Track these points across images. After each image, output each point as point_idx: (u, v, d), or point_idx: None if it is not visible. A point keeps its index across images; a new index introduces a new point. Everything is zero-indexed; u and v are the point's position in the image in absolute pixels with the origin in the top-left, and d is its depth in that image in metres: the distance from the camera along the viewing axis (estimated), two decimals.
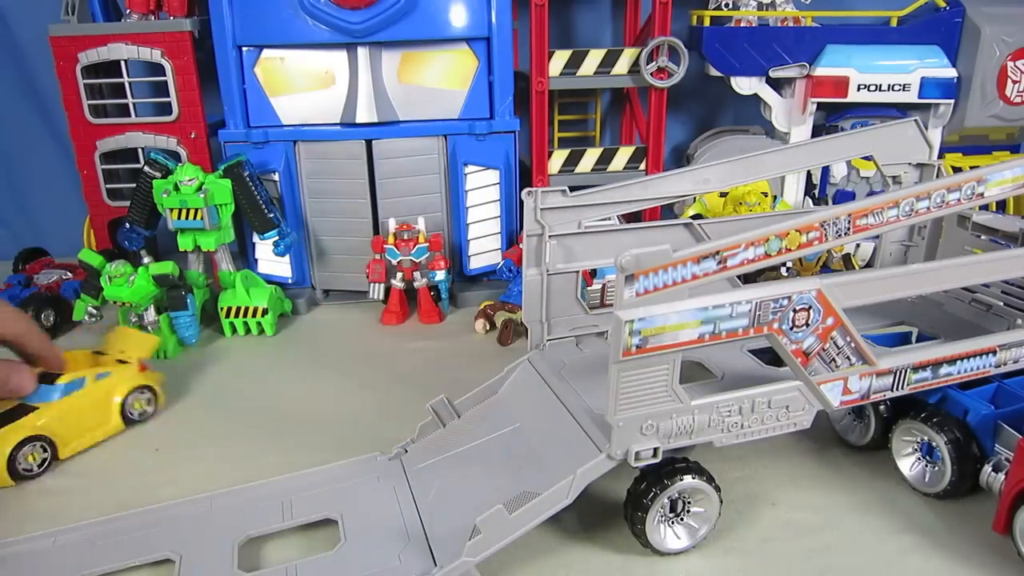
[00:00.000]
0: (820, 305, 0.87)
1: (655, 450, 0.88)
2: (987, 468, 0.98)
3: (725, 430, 0.92)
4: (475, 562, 0.86)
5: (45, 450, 1.17)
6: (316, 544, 0.99)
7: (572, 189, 1.14)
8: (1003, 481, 0.94)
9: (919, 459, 1.06)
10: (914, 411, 1.05)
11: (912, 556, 0.95)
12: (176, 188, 1.57)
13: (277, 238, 1.67)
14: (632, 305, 0.78)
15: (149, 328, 1.56)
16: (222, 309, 1.65)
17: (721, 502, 0.95)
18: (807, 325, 0.88)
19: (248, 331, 1.66)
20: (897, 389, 0.98)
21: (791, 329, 0.87)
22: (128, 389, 1.29)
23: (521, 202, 1.15)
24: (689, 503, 0.94)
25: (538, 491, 0.88)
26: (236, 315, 1.64)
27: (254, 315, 1.64)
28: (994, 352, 1.01)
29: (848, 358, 0.92)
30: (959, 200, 1.01)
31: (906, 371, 0.97)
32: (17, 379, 1.17)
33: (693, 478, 0.92)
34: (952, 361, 1.00)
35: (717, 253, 0.82)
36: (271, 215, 1.64)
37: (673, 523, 0.95)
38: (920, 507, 1.03)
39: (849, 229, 0.92)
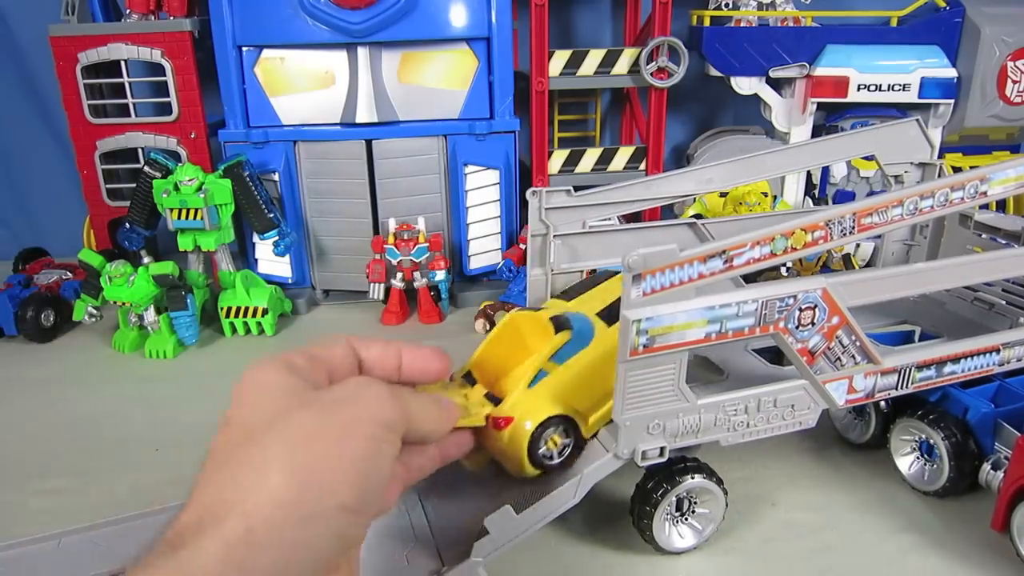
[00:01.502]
0: (826, 304, 0.88)
1: (661, 449, 0.88)
2: (986, 466, 0.99)
3: (731, 429, 0.92)
4: (483, 562, 0.85)
5: (567, 434, 0.90)
6: None
7: (576, 189, 1.14)
8: (1001, 479, 0.94)
9: (918, 458, 1.07)
10: (913, 409, 1.05)
11: (911, 555, 0.95)
12: (176, 188, 1.56)
13: (277, 238, 1.67)
14: (639, 304, 0.78)
15: (149, 328, 1.56)
16: (222, 309, 1.64)
17: (727, 505, 0.96)
18: (813, 324, 0.88)
19: (248, 331, 1.65)
20: (901, 388, 0.98)
21: (797, 328, 0.87)
22: None
23: (522, 202, 1.15)
24: (695, 503, 0.94)
25: (545, 490, 0.88)
26: (236, 315, 1.64)
27: (254, 315, 1.64)
28: (998, 351, 1.02)
29: (853, 357, 0.92)
30: (962, 199, 1.02)
31: (910, 370, 0.97)
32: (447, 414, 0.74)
33: (704, 478, 0.92)
34: (956, 360, 1.00)
35: (723, 252, 0.82)
36: (271, 215, 1.63)
37: (678, 522, 0.95)
38: (919, 506, 1.04)
39: (854, 228, 0.92)
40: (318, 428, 0.57)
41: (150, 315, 1.55)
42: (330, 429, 0.57)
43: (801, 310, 0.86)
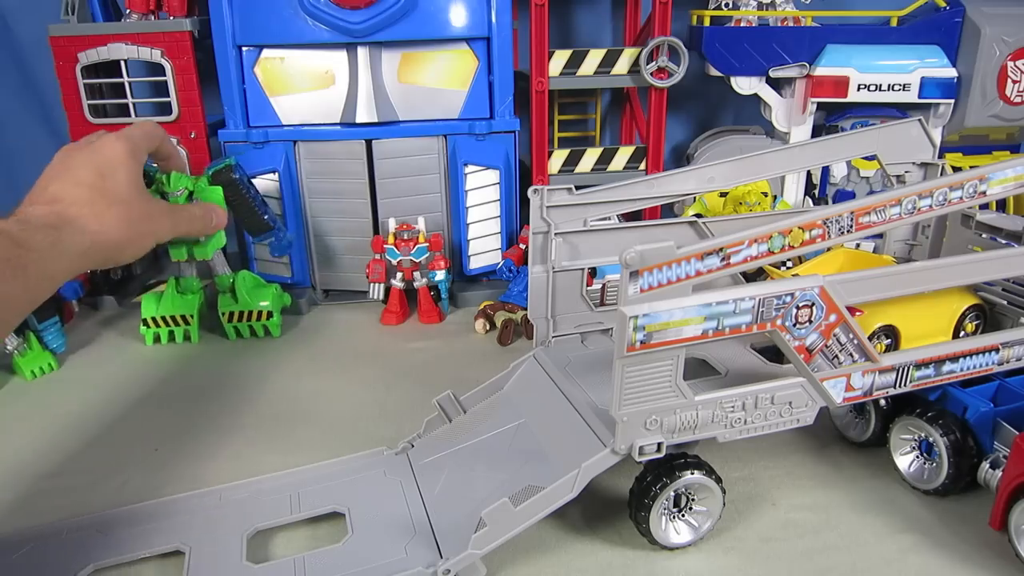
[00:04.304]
0: (823, 302, 0.88)
1: (659, 445, 0.88)
2: (985, 465, 0.99)
3: (728, 426, 0.92)
4: (480, 554, 0.86)
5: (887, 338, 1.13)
6: (324, 536, 0.99)
7: (576, 188, 1.14)
8: (1000, 478, 0.94)
9: (917, 456, 1.07)
10: (913, 407, 1.05)
11: (911, 555, 0.95)
12: (164, 198, 1.48)
13: (272, 240, 1.66)
14: (636, 301, 0.78)
15: (16, 351, 1.49)
16: (223, 314, 1.63)
17: (724, 504, 0.96)
18: (810, 322, 0.88)
19: (253, 334, 1.65)
20: (900, 386, 0.98)
21: (794, 326, 0.87)
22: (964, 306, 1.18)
23: (522, 202, 1.15)
24: (693, 499, 0.94)
25: (543, 485, 0.89)
26: (239, 319, 1.63)
27: (258, 319, 1.63)
28: (997, 350, 1.02)
29: (851, 355, 0.92)
30: (961, 198, 1.02)
31: (909, 368, 0.97)
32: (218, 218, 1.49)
33: (703, 474, 0.93)
34: (955, 358, 1.00)
35: (721, 250, 0.83)
36: (265, 217, 1.61)
37: (675, 518, 0.95)
38: (919, 506, 1.04)
39: (852, 227, 0.92)
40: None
41: (11, 339, 1.48)
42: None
43: (798, 308, 0.86)
